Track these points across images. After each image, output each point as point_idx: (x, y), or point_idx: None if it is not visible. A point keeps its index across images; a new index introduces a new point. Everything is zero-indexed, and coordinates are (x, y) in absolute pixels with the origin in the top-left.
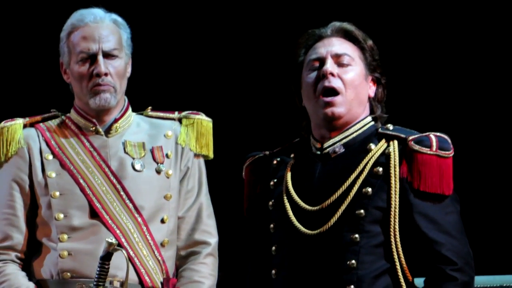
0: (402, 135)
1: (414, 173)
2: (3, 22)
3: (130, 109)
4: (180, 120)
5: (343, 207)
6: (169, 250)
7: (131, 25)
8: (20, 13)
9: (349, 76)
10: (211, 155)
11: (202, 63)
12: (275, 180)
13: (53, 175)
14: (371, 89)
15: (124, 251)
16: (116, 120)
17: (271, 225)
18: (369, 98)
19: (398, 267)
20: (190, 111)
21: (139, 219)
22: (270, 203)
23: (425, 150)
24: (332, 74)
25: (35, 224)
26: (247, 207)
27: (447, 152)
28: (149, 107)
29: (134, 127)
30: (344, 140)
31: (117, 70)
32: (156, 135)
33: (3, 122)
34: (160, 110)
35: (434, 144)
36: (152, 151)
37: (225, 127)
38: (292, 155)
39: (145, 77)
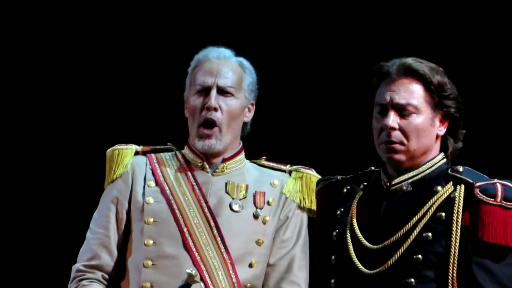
0: (470, 180)
1: (478, 222)
2: (136, 56)
3: (242, 154)
4: (290, 173)
5: (401, 250)
6: None
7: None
8: (153, 46)
9: (411, 128)
10: None
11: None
12: (342, 210)
13: (151, 201)
14: (441, 128)
15: (202, 285)
16: (224, 161)
17: (333, 257)
18: (438, 136)
19: None
20: (301, 166)
21: (227, 259)
22: (334, 233)
23: (489, 200)
24: (393, 128)
25: (125, 249)
26: (318, 229)
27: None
28: (264, 157)
29: (243, 171)
30: (412, 180)
31: (229, 108)
32: (262, 181)
33: (117, 145)
34: (274, 161)
35: (500, 193)
36: (254, 195)
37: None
38: (362, 186)
39: (264, 127)
